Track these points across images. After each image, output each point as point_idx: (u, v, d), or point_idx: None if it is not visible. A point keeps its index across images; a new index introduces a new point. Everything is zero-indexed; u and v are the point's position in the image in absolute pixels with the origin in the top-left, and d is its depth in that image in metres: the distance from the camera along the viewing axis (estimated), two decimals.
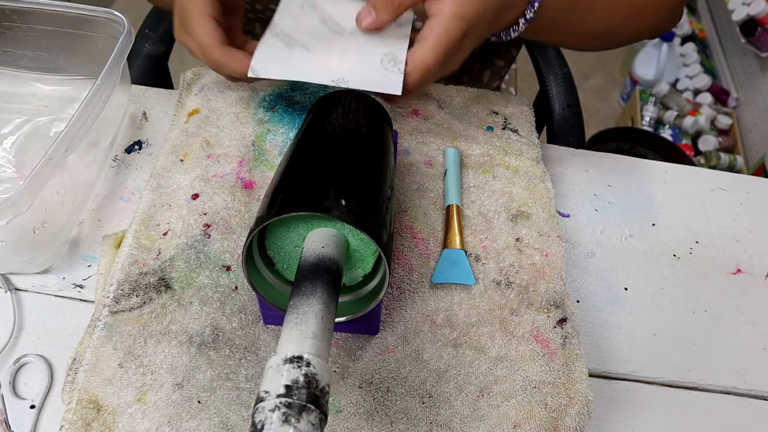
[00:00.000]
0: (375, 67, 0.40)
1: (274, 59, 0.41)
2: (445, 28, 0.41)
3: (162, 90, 0.64)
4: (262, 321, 0.46)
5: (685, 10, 2.10)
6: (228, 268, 0.49)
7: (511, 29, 0.49)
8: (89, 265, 0.51)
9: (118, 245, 0.50)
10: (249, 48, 0.48)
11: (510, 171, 0.58)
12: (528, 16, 0.48)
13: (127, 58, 0.54)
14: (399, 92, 0.39)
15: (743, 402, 0.51)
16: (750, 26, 1.78)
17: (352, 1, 0.47)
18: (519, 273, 0.51)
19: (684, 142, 1.87)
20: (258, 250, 0.44)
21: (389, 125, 0.50)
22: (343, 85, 0.38)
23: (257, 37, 0.48)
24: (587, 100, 2.09)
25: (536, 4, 0.47)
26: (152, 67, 0.79)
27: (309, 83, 0.63)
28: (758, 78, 1.86)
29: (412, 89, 0.43)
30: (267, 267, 0.44)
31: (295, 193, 0.40)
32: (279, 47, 0.42)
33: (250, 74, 0.40)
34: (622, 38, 0.57)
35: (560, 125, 0.84)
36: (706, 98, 1.93)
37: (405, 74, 0.41)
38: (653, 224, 0.61)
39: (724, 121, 1.87)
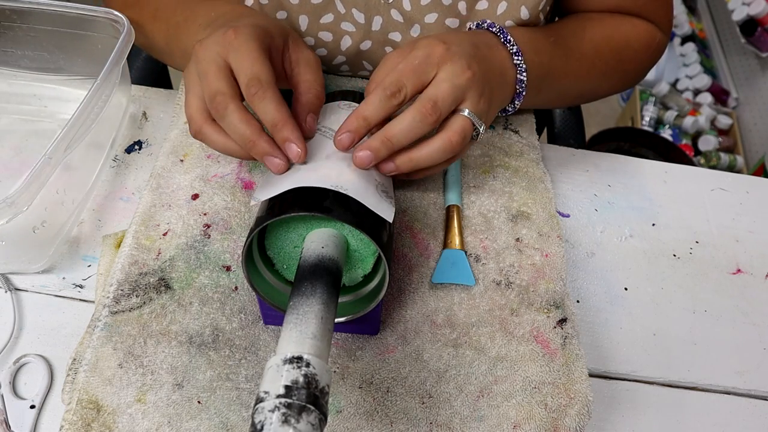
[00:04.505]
0: (371, 190, 0.42)
1: (271, 181, 0.42)
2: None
3: (162, 90, 0.64)
4: (262, 321, 0.46)
5: (685, 10, 2.10)
6: (228, 269, 0.49)
7: (508, 106, 0.54)
8: (89, 265, 0.51)
9: (118, 245, 0.50)
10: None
11: (510, 171, 0.58)
12: (518, 90, 0.52)
13: (127, 58, 0.54)
14: (390, 221, 0.41)
15: (743, 402, 0.51)
16: (750, 26, 1.78)
17: (346, 111, 0.49)
18: (519, 273, 0.51)
19: (684, 142, 1.87)
20: (258, 251, 0.44)
21: None
22: (342, 191, 0.39)
23: None
24: None
25: (524, 80, 0.52)
26: (152, 67, 0.79)
27: None
28: (758, 78, 1.86)
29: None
30: (267, 267, 0.44)
31: (295, 194, 0.40)
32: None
33: (253, 203, 0.42)
34: (599, 95, 0.64)
35: (561, 127, 0.84)
36: (706, 98, 1.93)
37: None
38: (653, 224, 0.61)
39: (724, 121, 1.87)
